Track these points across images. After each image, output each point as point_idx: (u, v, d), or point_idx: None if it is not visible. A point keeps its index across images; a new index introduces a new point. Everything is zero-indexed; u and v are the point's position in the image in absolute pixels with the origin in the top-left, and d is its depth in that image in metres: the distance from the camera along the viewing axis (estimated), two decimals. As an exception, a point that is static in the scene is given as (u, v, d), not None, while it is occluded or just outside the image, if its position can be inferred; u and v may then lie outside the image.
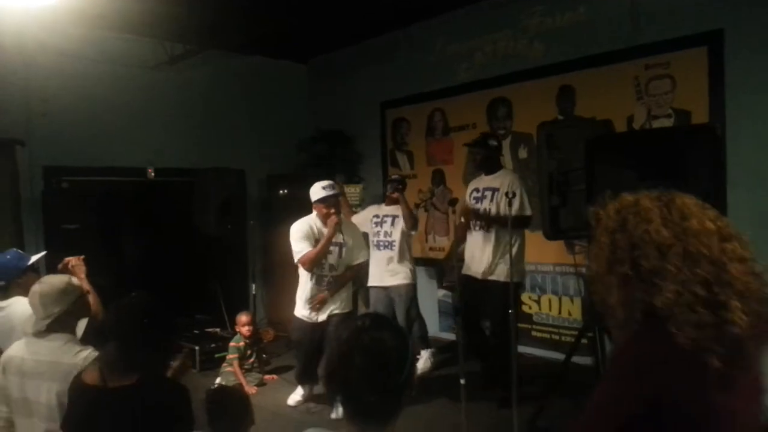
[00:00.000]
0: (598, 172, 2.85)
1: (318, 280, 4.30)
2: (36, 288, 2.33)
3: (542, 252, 5.01)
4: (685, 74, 4.52)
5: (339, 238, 4.29)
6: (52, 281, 2.39)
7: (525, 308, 5.38)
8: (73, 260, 3.15)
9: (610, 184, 2.96)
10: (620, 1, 4.78)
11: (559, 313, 5.24)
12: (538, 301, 5.34)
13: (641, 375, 1.26)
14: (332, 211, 4.21)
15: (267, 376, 5.06)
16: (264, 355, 5.29)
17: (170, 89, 6.29)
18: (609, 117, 4.84)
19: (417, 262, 6.44)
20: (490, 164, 4.54)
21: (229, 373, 4.82)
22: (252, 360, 4.97)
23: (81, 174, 5.61)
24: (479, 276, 4.38)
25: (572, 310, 5.16)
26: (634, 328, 1.31)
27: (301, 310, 4.37)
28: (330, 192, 4.24)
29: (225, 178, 6.48)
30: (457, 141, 6.10)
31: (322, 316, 4.33)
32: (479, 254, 4.40)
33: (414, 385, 1.36)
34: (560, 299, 5.23)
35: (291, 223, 4.37)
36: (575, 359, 3.70)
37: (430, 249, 6.41)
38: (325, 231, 4.22)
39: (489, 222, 4.35)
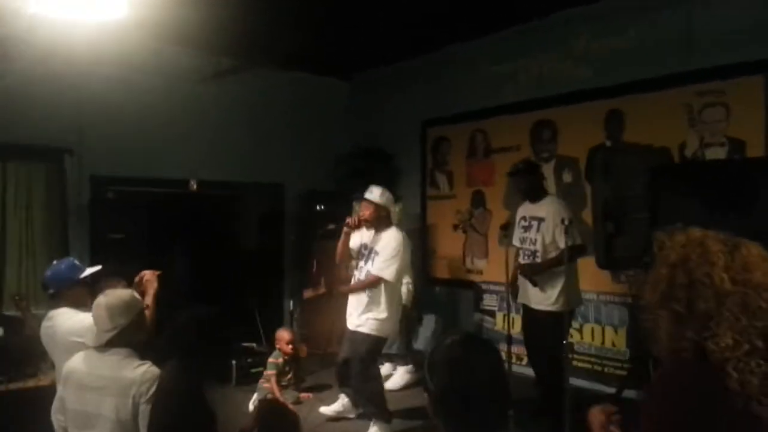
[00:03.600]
0: (662, 200, 2.77)
1: None
2: (102, 300, 2.34)
3: (584, 280, 4.87)
4: (739, 103, 4.41)
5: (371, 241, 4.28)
6: (119, 294, 2.41)
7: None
8: (147, 274, 3.13)
9: (674, 213, 2.90)
10: (673, 26, 4.71)
11: (602, 343, 5.11)
12: (580, 330, 5.22)
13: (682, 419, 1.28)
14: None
15: (303, 394, 5.02)
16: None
17: (215, 103, 6.37)
18: (659, 143, 4.75)
19: (453, 284, 6.47)
20: (535, 192, 4.43)
21: (266, 389, 4.79)
22: (290, 377, 4.94)
23: (127, 184, 5.70)
24: (532, 305, 4.30)
25: (616, 340, 5.03)
26: (679, 363, 1.34)
27: None
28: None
29: (264, 193, 6.54)
30: (498, 163, 6.04)
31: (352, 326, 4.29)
32: (525, 282, 4.32)
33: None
34: (603, 329, 5.11)
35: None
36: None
37: (468, 271, 6.34)
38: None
39: (543, 270, 4.20)
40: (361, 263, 4.28)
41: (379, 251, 4.17)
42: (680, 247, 1.37)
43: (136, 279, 3.12)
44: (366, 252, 4.27)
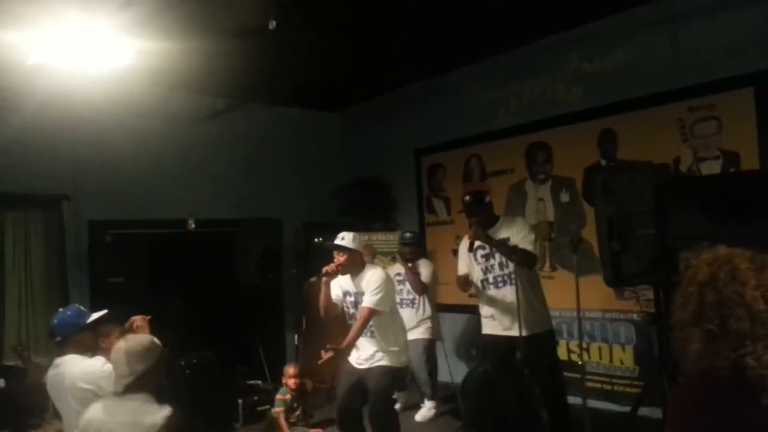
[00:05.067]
0: (669, 216, 2.79)
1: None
2: (121, 344, 2.32)
3: (590, 298, 4.87)
4: (731, 115, 4.48)
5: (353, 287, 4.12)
6: (140, 339, 2.39)
7: (574, 357, 5.23)
8: (138, 320, 3.08)
9: (681, 228, 2.92)
10: (660, 44, 4.81)
11: (610, 361, 5.09)
12: (587, 350, 5.19)
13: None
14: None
15: (312, 430, 4.94)
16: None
17: (209, 142, 6.40)
18: (653, 159, 4.80)
19: (456, 309, 6.43)
20: (490, 220, 4.14)
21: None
22: (298, 413, 4.87)
23: (125, 227, 5.67)
24: (529, 332, 3.87)
25: (624, 358, 5.00)
26: (711, 378, 1.35)
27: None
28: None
29: (262, 228, 6.51)
30: (494, 186, 6.07)
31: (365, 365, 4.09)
32: (511, 310, 3.94)
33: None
34: (611, 347, 5.09)
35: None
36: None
37: (471, 296, 6.29)
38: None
39: (499, 247, 3.94)
40: (353, 310, 4.14)
41: (366, 290, 4.04)
42: (707, 265, 1.40)
43: (126, 325, 3.07)
44: (352, 298, 4.16)
